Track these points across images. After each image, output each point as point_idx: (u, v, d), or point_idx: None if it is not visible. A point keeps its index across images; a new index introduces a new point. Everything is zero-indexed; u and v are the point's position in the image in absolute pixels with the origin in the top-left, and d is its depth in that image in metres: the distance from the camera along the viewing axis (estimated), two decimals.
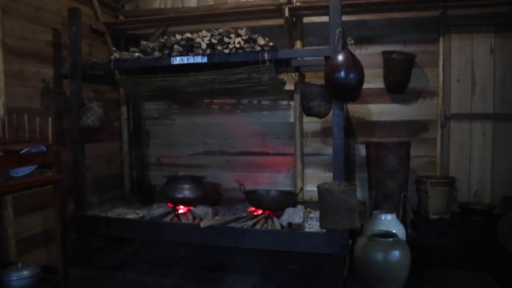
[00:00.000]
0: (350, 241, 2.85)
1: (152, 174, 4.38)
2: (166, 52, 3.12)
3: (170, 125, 4.29)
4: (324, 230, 2.80)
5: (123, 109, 4.20)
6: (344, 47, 2.81)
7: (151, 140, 4.36)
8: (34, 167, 2.44)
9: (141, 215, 3.49)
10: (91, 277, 3.24)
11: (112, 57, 3.20)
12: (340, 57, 2.74)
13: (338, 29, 2.78)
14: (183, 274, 3.28)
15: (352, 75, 2.73)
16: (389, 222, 3.01)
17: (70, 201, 3.39)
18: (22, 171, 2.38)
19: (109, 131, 4.06)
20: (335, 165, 2.94)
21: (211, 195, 3.90)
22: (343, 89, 2.76)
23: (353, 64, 2.74)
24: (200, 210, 3.44)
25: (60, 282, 2.62)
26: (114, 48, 3.22)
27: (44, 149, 2.42)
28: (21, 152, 2.30)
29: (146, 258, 3.65)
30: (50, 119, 2.52)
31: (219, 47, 2.98)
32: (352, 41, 2.82)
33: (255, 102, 4.13)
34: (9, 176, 2.33)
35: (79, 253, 3.42)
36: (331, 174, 3.10)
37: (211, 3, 4.07)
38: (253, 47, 2.94)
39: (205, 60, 3.00)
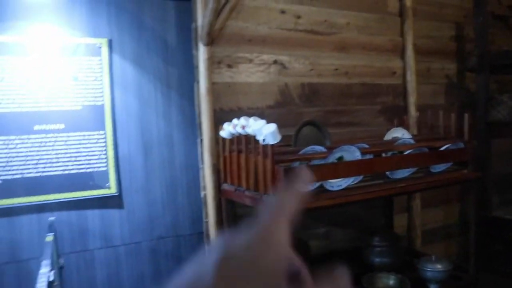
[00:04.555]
0: None
1: None
2: None
3: None
4: None
5: None
6: None
7: None
8: (450, 164, 2.45)
9: None
10: (492, 282, 3.03)
11: None
12: None
13: None
14: None
15: None
16: None
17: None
18: (439, 167, 2.43)
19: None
20: None
21: None
22: None
23: None
24: None
25: (470, 283, 2.55)
26: None
27: (462, 145, 2.40)
28: (442, 148, 2.35)
29: None
30: (466, 115, 2.47)
31: None
32: None
33: None
34: (429, 171, 2.43)
35: (478, 255, 3.28)
36: None
37: None
38: None
39: None
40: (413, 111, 3.00)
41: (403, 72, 3.06)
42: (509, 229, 3.02)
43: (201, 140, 2.36)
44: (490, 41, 3.42)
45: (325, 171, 1.95)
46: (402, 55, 3.05)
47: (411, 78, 3.02)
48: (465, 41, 3.40)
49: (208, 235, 2.39)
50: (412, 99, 3.02)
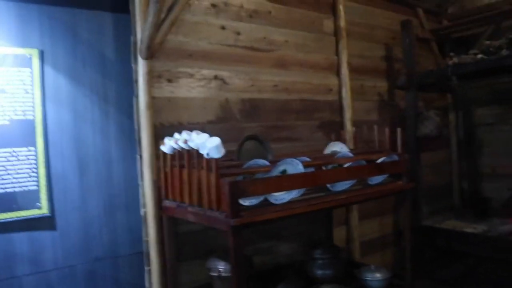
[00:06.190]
0: None
1: (486, 186, 3.99)
2: None
3: (509, 131, 3.80)
4: None
5: (451, 116, 4.02)
6: None
7: (485, 148, 3.99)
8: (386, 176, 2.56)
9: (480, 230, 3.21)
10: None
11: (450, 62, 3.09)
12: None
13: None
14: None
15: None
16: None
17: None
18: (377, 179, 2.53)
19: (438, 139, 3.95)
20: None
21: None
22: None
23: None
24: None
25: None
26: (451, 53, 3.10)
27: (397, 158, 2.51)
28: (378, 161, 2.45)
29: (485, 278, 3.31)
30: (399, 130, 2.60)
31: None
32: None
33: None
34: (366, 183, 2.52)
35: (413, 262, 3.43)
36: None
37: None
38: None
39: None
40: (349, 126, 3.11)
41: (339, 89, 3.17)
42: (438, 237, 3.19)
43: (141, 156, 2.28)
44: (416, 62, 3.68)
45: (270, 184, 1.94)
46: (338, 72, 3.18)
47: (346, 95, 3.15)
48: (394, 61, 3.62)
49: (148, 255, 2.28)
50: (348, 115, 3.14)
